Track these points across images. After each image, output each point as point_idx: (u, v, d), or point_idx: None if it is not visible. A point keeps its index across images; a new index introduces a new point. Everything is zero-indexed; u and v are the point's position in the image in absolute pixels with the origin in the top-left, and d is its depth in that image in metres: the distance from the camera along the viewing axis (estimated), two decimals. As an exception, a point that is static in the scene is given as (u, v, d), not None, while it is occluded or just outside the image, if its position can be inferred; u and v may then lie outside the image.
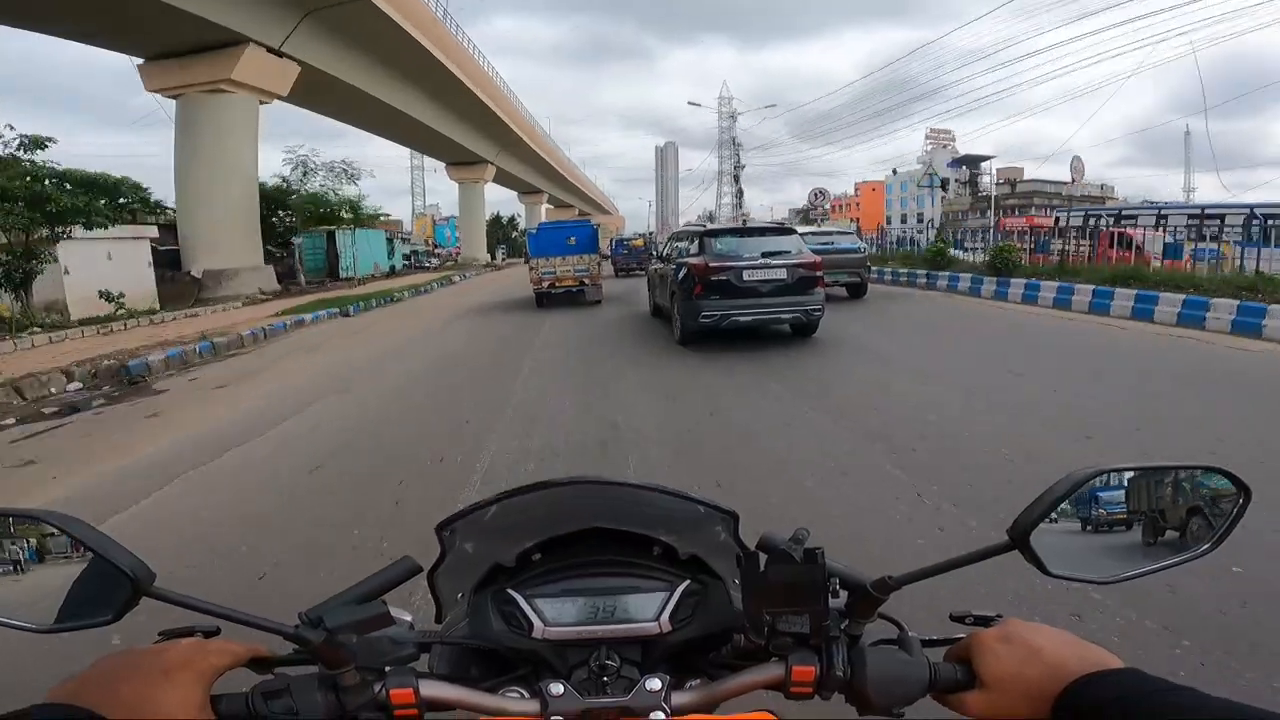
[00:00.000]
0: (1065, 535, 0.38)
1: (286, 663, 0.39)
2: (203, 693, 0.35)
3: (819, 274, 5.44)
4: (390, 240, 22.52)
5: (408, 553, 0.42)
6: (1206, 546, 0.38)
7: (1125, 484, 0.38)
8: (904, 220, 50.93)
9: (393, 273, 21.08)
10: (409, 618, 0.41)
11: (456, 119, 23.47)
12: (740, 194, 33.51)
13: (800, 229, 9.90)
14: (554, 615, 0.42)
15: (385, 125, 21.92)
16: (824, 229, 10.51)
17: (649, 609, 0.42)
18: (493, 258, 30.58)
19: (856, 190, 59.62)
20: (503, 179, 36.54)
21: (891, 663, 0.38)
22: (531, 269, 9.84)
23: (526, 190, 43.67)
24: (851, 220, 48.28)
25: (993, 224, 21.84)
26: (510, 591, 0.43)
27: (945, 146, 56.27)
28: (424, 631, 0.42)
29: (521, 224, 44.55)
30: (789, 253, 5.44)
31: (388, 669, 0.37)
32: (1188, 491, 0.39)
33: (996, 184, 46.06)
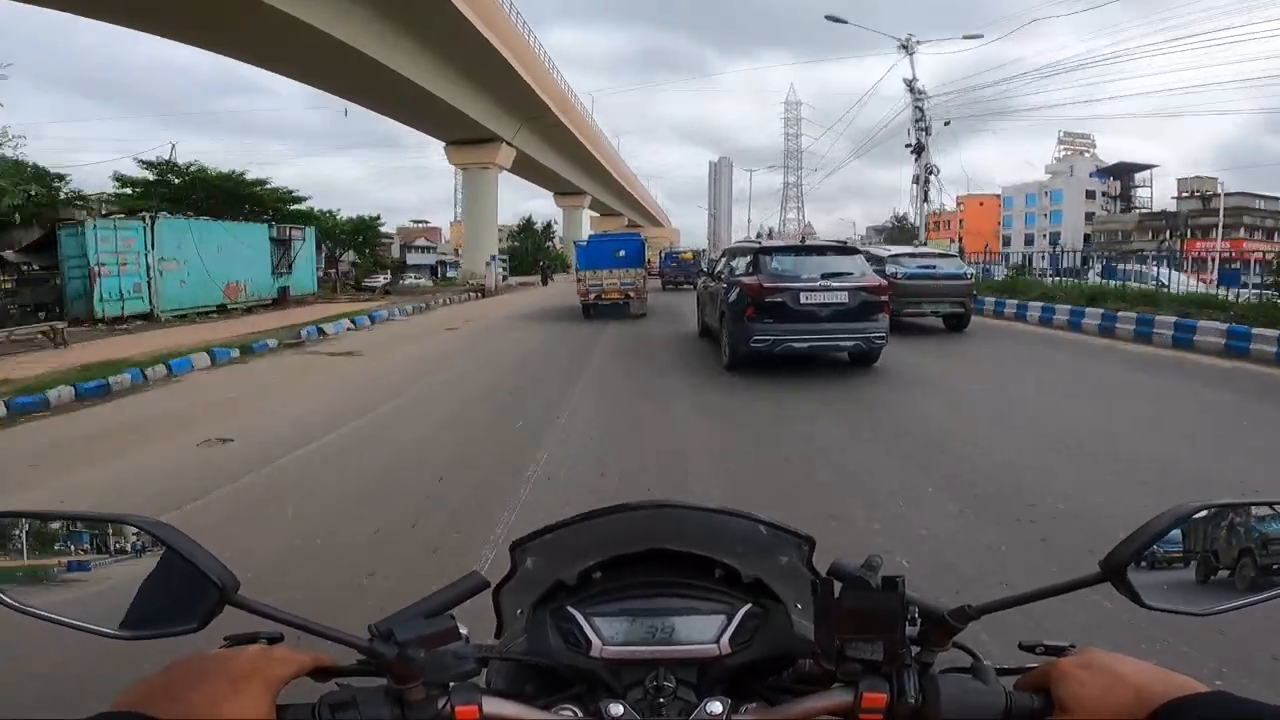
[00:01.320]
0: (1158, 567, 0.42)
1: (348, 673, 0.45)
2: (269, 702, 0.40)
3: (884, 298, 5.96)
4: (283, 241, 15.03)
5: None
6: None
7: (1224, 519, 0.44)
8: (1030, 241, 49.43)
9: (277, 302, 14.27)
10: (465, 630, 0.47)
11: (457, 75, 18.79)
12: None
13: (893, 249, 10.37)
14: (612, 634, 0.48)
15: (330, 68, 16.35)
16: (923, 250, 10.94)
17: (708, 631, 0.48)
18: (543, 278, 27.92)
19: (959, 204, 58.98)
20: (527, 169, 32.22)
21: (966, 691, 0.43)
22: (579, 281, 12.03)
23: (564, 190, 41.27)
24: (951, 241, 46.77)
25: (1174, 248, 20.36)
26: (570, 609, 0.50)
27: (1084, 154, 52.40)
28: (483, 646, 0.50)
29: (558, 232, 43.27)
30: (851, 274, 6.02)
31: (451, 685, 0.43)
32: None
33: (1179, 197, 42.58)
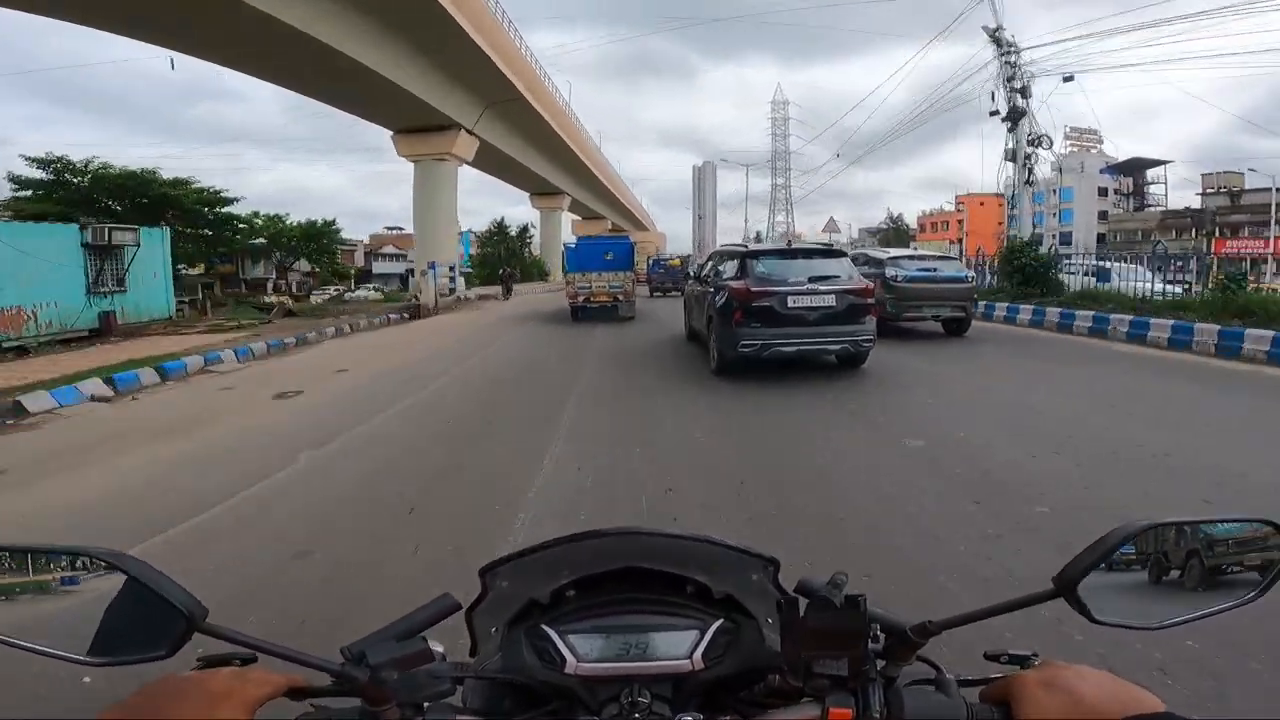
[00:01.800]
0: (1110, 583, 0.47)
1: (323, 693, 0.49)
2: None
3: (870, 301, 6.36)
4: (107, 249, 11.34)
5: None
6: (1252, 594, 0.48)
7: (1172, 535, 0.49)
8: (1039, 242, 51.58)
9: (97, 333, 10.74)
10: (441, 649, 0.51)
11: (404, 48, 16.35)
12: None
13: (891, 251, 10.85)
14: (586, 651, 0.52)
15: (239, 38, 13.34)
16: (923, 253, 11.56)
17: (681, 647, 0.52)
18: (505, 290, 24.38)
19: (958, 205, 60.26)
20: (495, 164, 29.96)
21: (928, 704, 0.47)
22: (568, 283, 13.25)
23: (540, 190, 39.87)
24: (951, 243, 47.41)
25: (1204, 247, 19.82)
26: (544, 627, 0.54)
27: (1092, 149, 53.60)
28: (458, 664, 0.54)
29: (535, 237, 42.82)
30: (838, 278, 6.44)
31: (426, 705, 0.48)
32: (1235, 541, 0.49)
33: (1203, 193, 43.24)
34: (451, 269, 20.81)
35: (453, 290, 20.40)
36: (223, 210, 23.98)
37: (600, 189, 48.73)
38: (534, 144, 29.78)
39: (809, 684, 0.47)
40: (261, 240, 32.89)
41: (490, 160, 28.33)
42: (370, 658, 0.45)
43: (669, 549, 0.57)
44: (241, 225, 27.30)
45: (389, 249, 55.29)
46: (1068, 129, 55.06)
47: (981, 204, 55.87)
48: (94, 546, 0.47)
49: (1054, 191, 51.09)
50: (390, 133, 22.07)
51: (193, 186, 22.49)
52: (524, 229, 41.21)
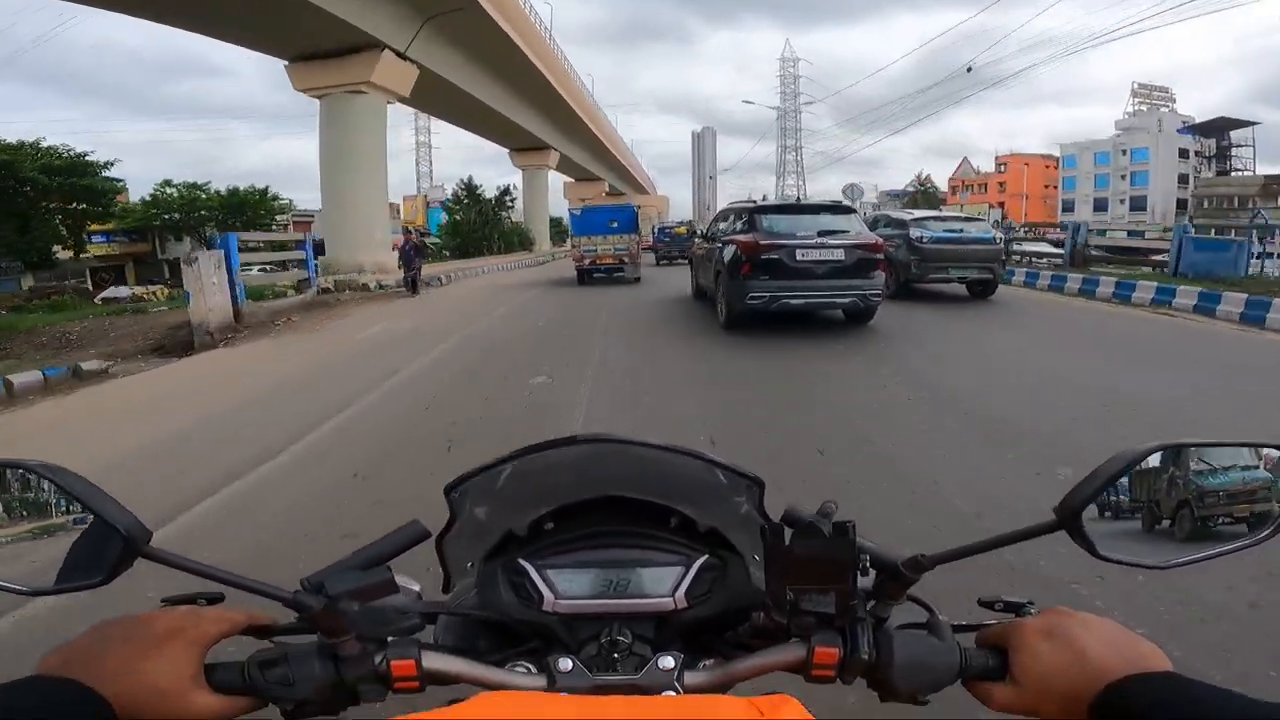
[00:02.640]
0: (1117, 516, 0.49)
1: (287, 631, 0.53)
2: (196, 662, 0.47)
3: (879, 256, 7.34)
4: None
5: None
6: (1268, 532, 0.49)
7: (1183, 461, 0.51)
8: (1101, 206, 50.38)
9: None
10: (417, 587, 0.55)
11: None
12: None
13: (916, 213, 11.53)
14: (565, 587, 0.56)
15: None
16: (949, 214, 12.73)
17: (664, 583, 0.56)
18: (410, 284, 14.61)
19: (999, 165, 60.91)
20: (448, 105, 26.60)
21: (920, 647, 0.50)
22: (574, 247, 15.60)
23: (521, 144, 38.25)
24: (992, 206, 47.29)
25: None
26: (521, 561, 0.57)
27: (1165, 108, 53.14)
28: (430, 602, 0.57)
29: (518, 199, 41.34)
30: (847, 232, 7.41)
31: (390, 639, 0.50)
32: (1226, 493, 0.50)
33: None
34: (301, 247, 13.52)
35: (306, 287, 13.01)
36: (80, 180, 22.16)
37: (594, 144, 47.29)
38: (503, 79, 25.93)
39: (794, 621, 0.50)
40: (173, 215, 31.63)
41: (442, 99, 24.73)
42: (329, 587, 0.49)
43: (652, 468, 0.61)
44: (111, 194, 25.11)
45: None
46: (1135, 85, 54.14)
47: (1026, 164, 56.16)
48: (29, 460, 0.49)
49: (1123, 152, 50.93)
50: (284, 63, 18.79)
51: (43, 148, 21.29)
52: (504, 191, 38.05)
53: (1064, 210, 50.00)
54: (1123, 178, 50.77)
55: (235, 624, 0.50)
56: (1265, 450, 0.51)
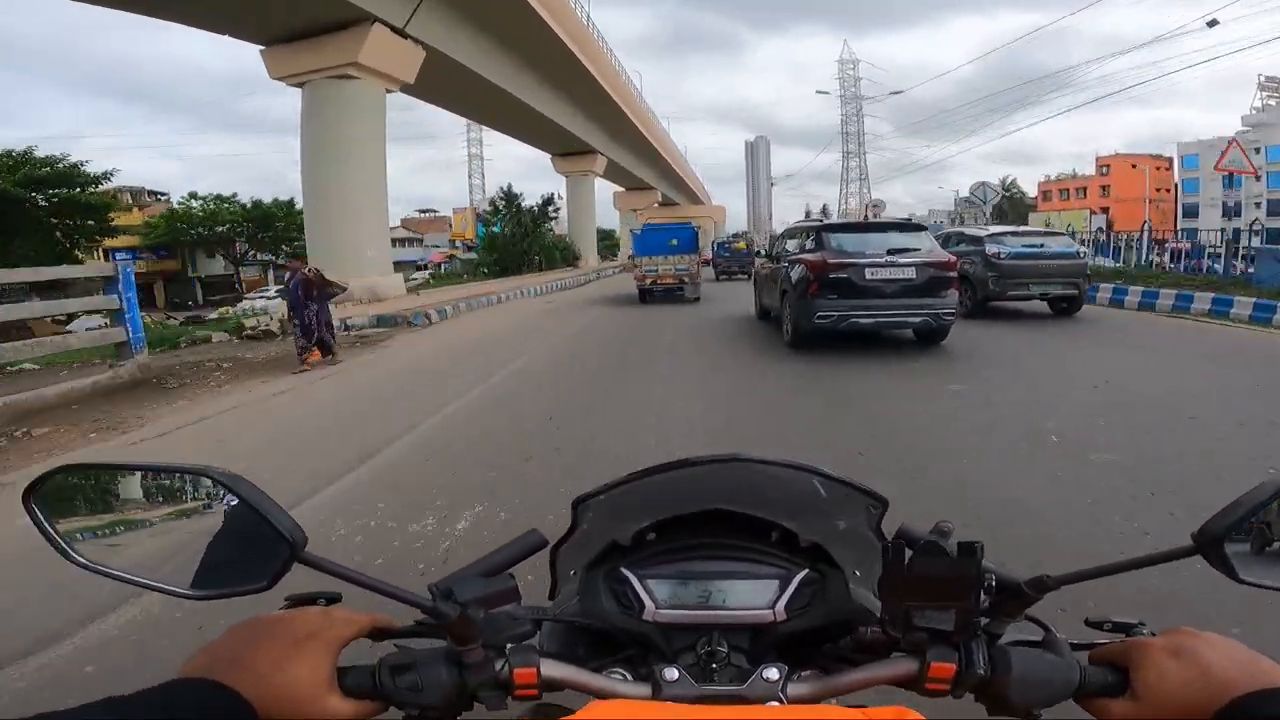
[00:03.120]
0: (1255, 541, 0.53)
1: (405, 634, 0.59)
2: (330, 664, 0.52)
3: (952, 274, 7.86)
4: None
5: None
6: None
7: None
8: (1234, 212, 47.81)
9: None
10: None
11: None
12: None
13: (992, 228, 11.77)
14: (666, 597, 0.62)
15: None
16: (1027, 229, 13.28)
17: (763, 596, 0.62)
18: (313, 344, 8.86)
19: (1101, 168, 59.38)
20: (470, 97, 24.75)
21: (1038, 664, 0.54)
22: (636, 266, 17.05)
23: (566, 149, 37.62)
24: (1094, 212, 45.36)
25: None
26: (623, 570, 0.64)
27: None
28: (537, 608, 0.63)
29: (562, 210, 39.97)
30: (918, 250, 7.91)
31: (509, 646, 0.56)
32: None
33: None
34: (110, 288, 8.04)
35: (125, 354, 7.87)
36: (67, 193, 20.86)
37: (644, 147, 46.50)
38: (535, 67, 24.06)
39: (907, 637, 0.54)
40: (197, 230, 31.21)
41: (459, 89, 22.38)
42: (458, 594, 0.54)
43: (758, 483, 0.66)
44: (106, 208, 23.71)
45: (400, 233, 54.79)
46: (1262, 78, 51.78)
47: (1133, 166, 54.57)
48: (210, 466, 0.54)
49: (1256, 150, 48.31)
50: (259, 48, 17.65)
51: (27, 157, 20.21)
52: (547, 201, 36.35)
53: (1185, 216, 48.25)
54: (1257, 178, 48.10)
55: (363, 626, 0.56)
56: None
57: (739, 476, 0.66)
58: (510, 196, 34.44)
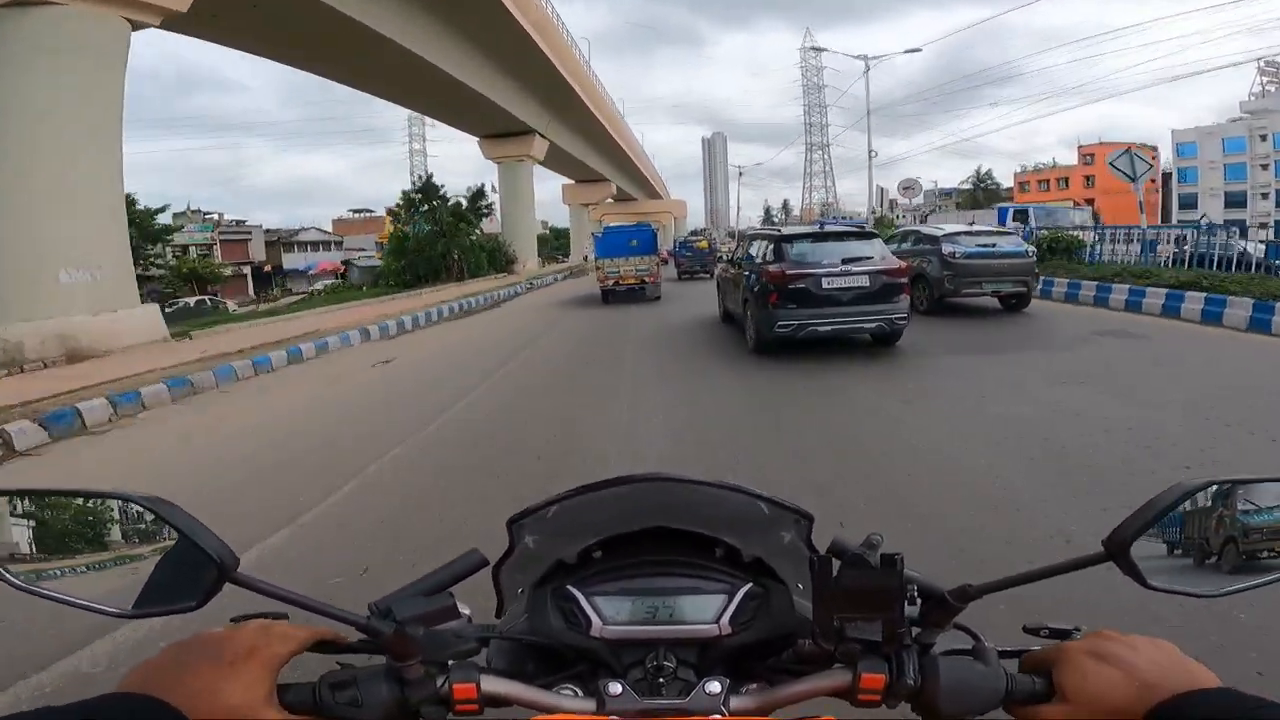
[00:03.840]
0: (1164, 547, 0.61)
1: (349, 650, 0.68)
2: (270, 680, 0.59)
3: (904, 280, 9.44)
4: None
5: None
6: None
7: (1232, 495, 0.63)
8: (1236, 202, 48.29)
9: None
10: (467, 611, 0.69)
11: None
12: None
13: (947, 227, 13.14)
14: (612, 614, 0.72)
15: None
16: (981, 228, 14.96)
17: (708, 611, 0.72)
18: None
19: (1084, 157, 60.80)
20: (368, 60, 21.16)
21: (966, 673, 0.62)
22: (597, 268, 19.32)
23: (495, 129, 34.21)
24: (1077, 204, 46.08)
25: None
26: (570, 588, 0.74)
27: None
28: (484, 626, 0.73)
29: (496, 202, 37.20)
30: (871, 258, 9.43)
31: (451, 663, 0.64)
32: (1269, 529, 0.62)
33: None
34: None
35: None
36: None
37: (595, 132, 44.36)
38: (439, 11, 20.98)
39: (840, 648, 0.61)
40: None
41: (305, 30, 17.66)
42: (397, 613, 0.62)
43: (699, 501, 0.77)
44: None
45: (312, 235, 52.81)
46: (1262, 63, 54.46)
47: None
48: (134, 492, 0.62)
49: (1261, 137, 50.32)
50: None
51: None
52: (477, 194, 33.14)
53: (1182, 207, 48.90)
54: (1264, 167, 49.18)
55: (303, 642, 0.64)
56: None
57: (677, 494, 0.76)
58: (428, 189, 31.16)
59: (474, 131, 36.76)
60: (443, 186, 31.33)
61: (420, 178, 32.56)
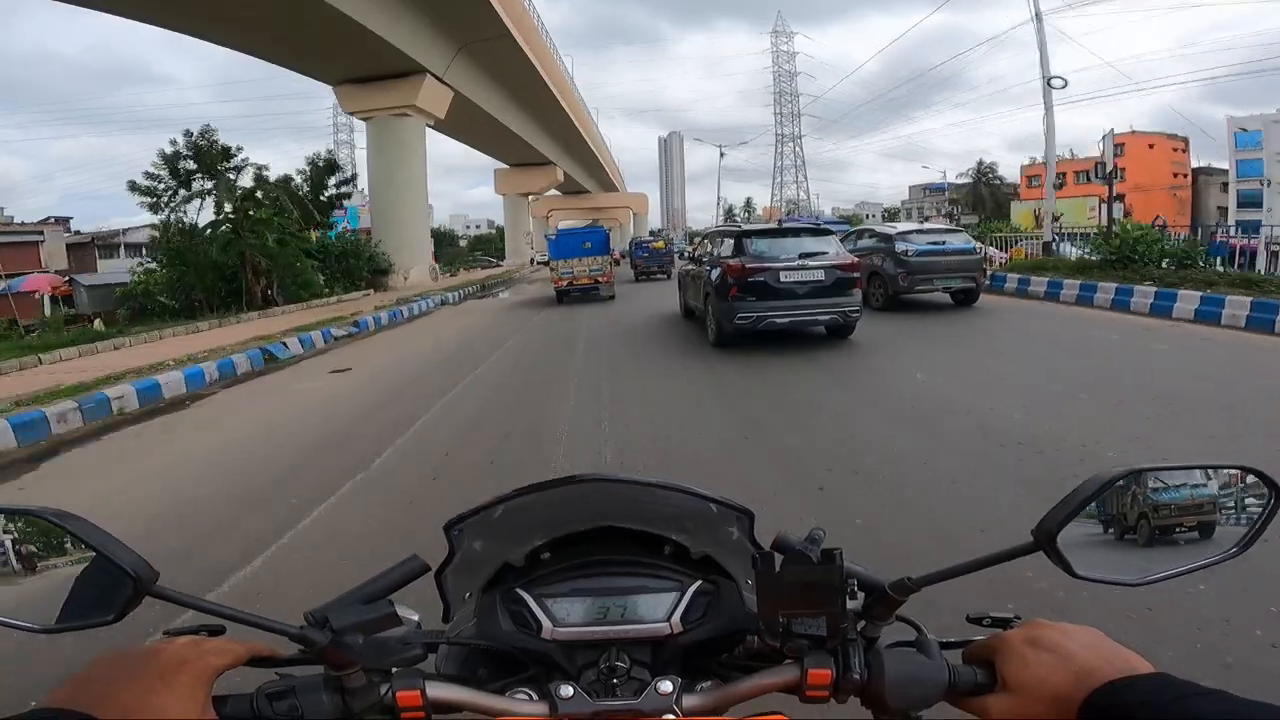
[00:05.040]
0: (1092, 536, 0.71)
1: (290, 663, 0.72)
2: (204, 694, 0.63)
3: (856, 275, 10.73)
4: None
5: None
6: (1235, 549, 0.72)
7: (1154, 484, 0.74)
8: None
9: None
10: (416, 618, 0.76)
11: None
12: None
13: (900, 226, 15.23)
14: (563, 615, 0.79)
15: None
16: (932, 227, 17.06)
17: (660, 609, 0.79)
18: None
19: (1116, 149, 55.87)
20: None
21: (909, 665, 0.70)
22: (552, 269, 21.11)
23: (360, 71, 26.51)
24: (1103, 201, 42.14)
25: None
26: (519, 591, 0.80)
27: None
28: (431, 632, 0.79)
29: (359, 169, 31.66)
30: (826, 254, 10.75)
31: (394, 670, 0.69)
32: (1218, 492, 0.74)
33: None
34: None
35: None
36: None
37: (534, 91, 36.83)
38: None
39: (787, 645, 0.69)
40: None
41: None
42: (333, 621, 0.67)
43: (645, 499, 0.85)
44: None
45: (144, 235, 37.23)
46: None
47: (1151, 146, 55.69)
48: (42, 508, 0.68)
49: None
50: None
51: None
52: (327, 166, 26.52)
53: (1243, 205, 46.59)
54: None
55: (239, 655, 0.69)
56: (1218, 470, 0.75)
57: (624, 494, 0.85)
58: (202, 154, 20.92)
59: (328, 77, 27.95)
60: (238, 150, 21.44)
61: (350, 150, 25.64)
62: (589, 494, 0.85)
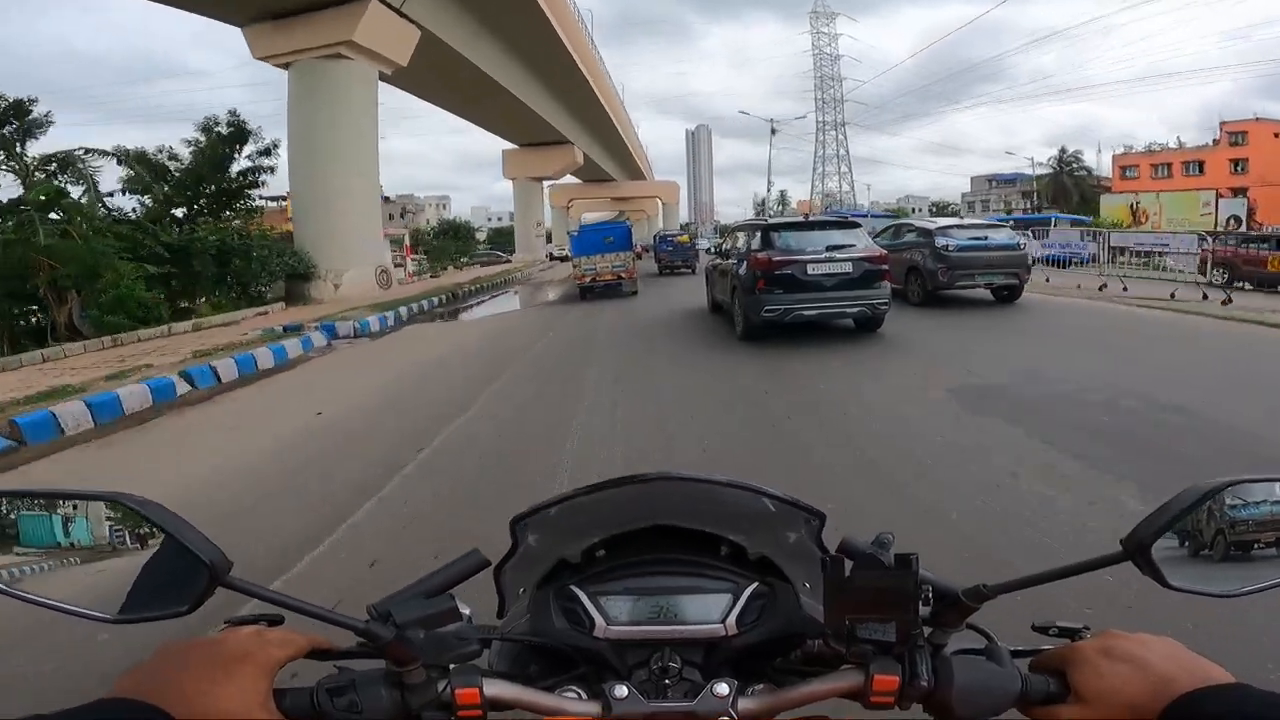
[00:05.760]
0: (1184, 546, 0.72)
1: (347, 655, 0.75)
2: (265, 686, 0.67)
3: (884, 267, 11.01)
4: None
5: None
6: None
7: (1231, 500, 0.73)
8: None
9: None
10: (468, 611, 0.77)
11: None
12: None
13: (940, 221, 16.16)
14: (616, 614, 0.83)
15: None
16: (973, 222, 17.39)
17: (714, 611, 0.83)
18: None
19: (1232, 137, 53.31)
20: None
21: (980, 673, 0.72)
22: (575, 266, 22.27)
23: (276, 7, 21.49)
24: (1222, 195, 39.89)
25: None
26: (573, 588, 0.84)
27: None
28: (485, 627, 0.82)
29: (281, 145, 23.11)
30: (854, 246, 11.08)
31: (452, 667, 0.73)
32: (1255, 522, 0.74)
33: None
34: None
35: None
36: None
37: (557, 64, 34.74)
38: None
39: (852, 649, 0.71)
40: None
41: None
42: (396, 616, 0.71)
43: (707, 498, 0.88)
44: None
45: None
46: None
47: (1276, 135, 51.07)
48: (125, 494, 0.70)
49: None
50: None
51: None
52: (234, 133, 22.00)
53: None
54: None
55: (300, 647, 0.73)
56: None
57: (682, 492, 0.87)
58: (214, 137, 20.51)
59: (238, 14, 22.60)
60: (33, 103, 17.74)
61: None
62: (651, 492, 0.88)
